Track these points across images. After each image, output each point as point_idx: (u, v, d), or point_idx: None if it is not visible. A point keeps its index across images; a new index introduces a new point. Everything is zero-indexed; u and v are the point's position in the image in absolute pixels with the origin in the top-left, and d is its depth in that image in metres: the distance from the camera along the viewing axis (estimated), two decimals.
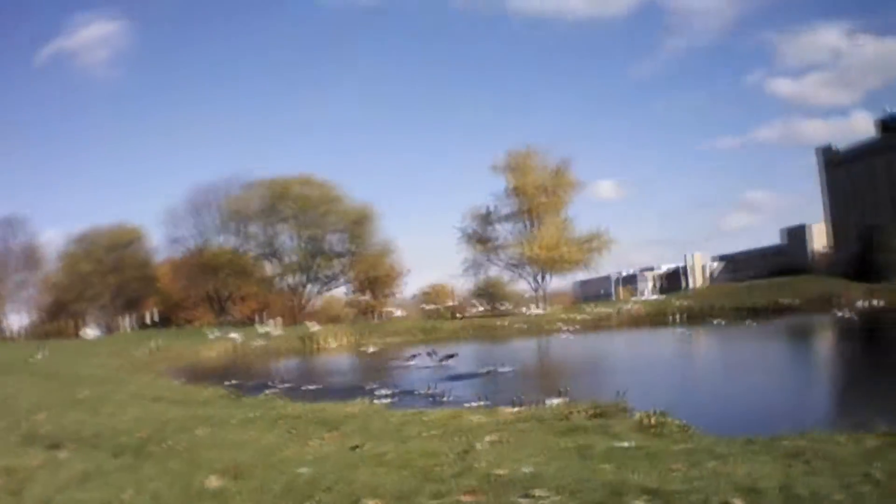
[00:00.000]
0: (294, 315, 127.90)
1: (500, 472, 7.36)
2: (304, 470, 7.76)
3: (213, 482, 6.85)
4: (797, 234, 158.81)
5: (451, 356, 53.62)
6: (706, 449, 9.57)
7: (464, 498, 6.09)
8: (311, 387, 40.48)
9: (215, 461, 8.51)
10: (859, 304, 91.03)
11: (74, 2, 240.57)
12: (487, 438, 11.46)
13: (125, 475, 7.39)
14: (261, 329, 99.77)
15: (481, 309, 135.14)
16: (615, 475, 7.18)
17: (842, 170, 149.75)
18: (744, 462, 8.01)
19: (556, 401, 23.90)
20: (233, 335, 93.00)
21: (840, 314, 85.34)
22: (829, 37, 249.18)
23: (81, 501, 6.14)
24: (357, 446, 10.20)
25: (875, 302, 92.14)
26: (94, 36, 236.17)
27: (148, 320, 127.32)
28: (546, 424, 14.48)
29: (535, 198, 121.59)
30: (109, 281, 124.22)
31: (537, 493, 6.25)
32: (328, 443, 11.09)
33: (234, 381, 41.40)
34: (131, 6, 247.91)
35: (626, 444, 10.44)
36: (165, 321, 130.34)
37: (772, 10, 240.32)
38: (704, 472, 7.35)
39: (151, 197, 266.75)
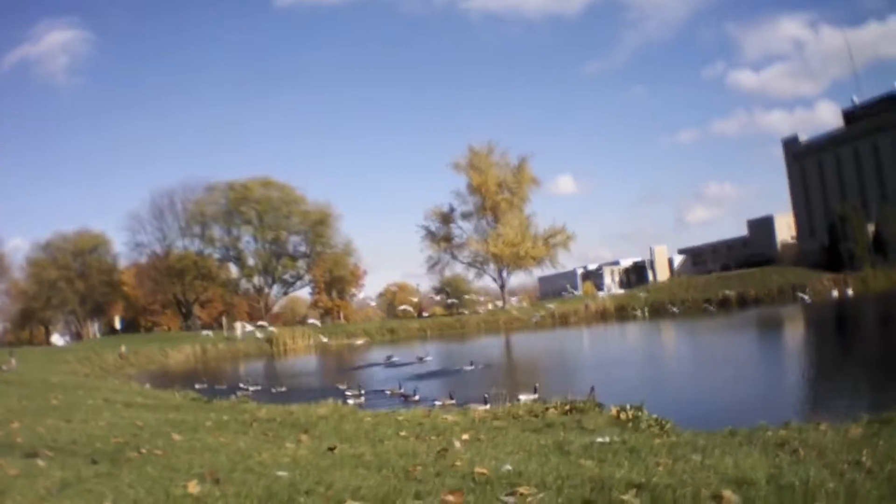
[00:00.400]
0: (259, 317, 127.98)
1: (481, 470, 7.29)
2: (282, 473, 7.68)
3: (193, 487, 6.78)
4: (763, 226, 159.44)
5: (423, 358, 54.58)
6: (688, 442, 9.57)
7: (448, 498, 6.04)
8: (281, 389, 40.61)
9: (193, 466, 8.44)
10: (833, 293, 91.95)
11: (36, 9, 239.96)
12: (464, 437, 11.44)
13: (104, 482, 7.30)
14: (227, 332, 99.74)
15: (444, 308, 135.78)
16: (599, 470, 7.13)
17: (808, 160, 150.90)
18: (729, 454, 7.99)
19: (529, 397, 24.06)
20: (205, 332, 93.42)
21: (807, 300, 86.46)
22: (791, 28, 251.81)
23: None
24: (333, 448, 10.13)
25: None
26: (55, 43, 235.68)
27: (115, 326, 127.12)
28: (520, 422, 14.47)
29: (495, 195, 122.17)
30: (76, 287, 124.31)
31: (522, 490, 6.20)
32: (303, 445, 11.02)
33: (203, 385, 41.36)
34: (91, 14, 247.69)
35: (604, 439, 10.40)
36: (132, 326, 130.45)
37: (732, 1, 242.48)
38: (690, 465, 7.29)
39: (113, 202, 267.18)
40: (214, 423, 14.54)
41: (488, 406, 18.85)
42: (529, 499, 5.95)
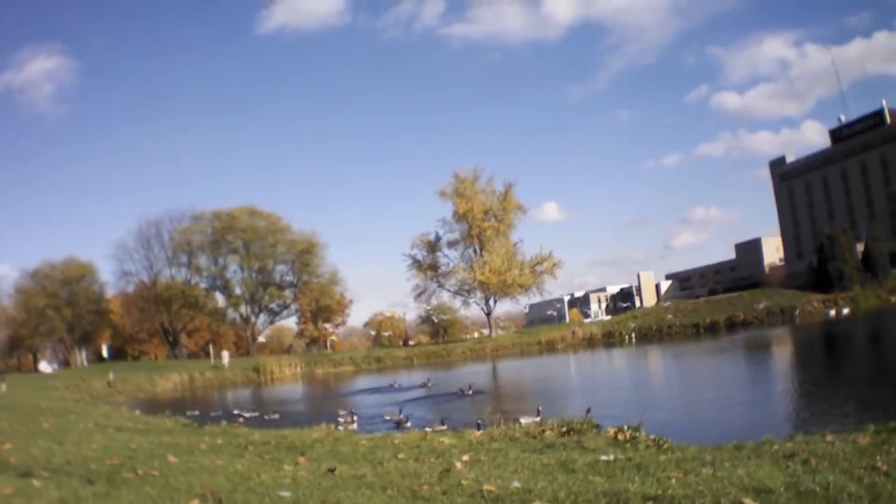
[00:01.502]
0: (246, 346, 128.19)
1: (489, 487, 7.18)
2: (285, 493, 7.54)
3: None
4: (750, 249, 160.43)
5: (426, 383, 55.48)
6: (695, 457, 9.52)
7: None
8: (274, 416, 40.49)
9: (193, 486, 8.27)
10: (831, 313, 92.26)
11: (19, 36, 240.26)
12: (464, 458, 11.31)
13: (102, 502, 7.16)
14: (214, 361, 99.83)
15: (430, 337, 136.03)
16: (610, 485, 7.03)
17: (795, 181, 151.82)
18: (739, 466, 7.91)
19: (531, 419, 23.98)
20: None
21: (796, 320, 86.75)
22: (775, 48, 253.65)
23: None
24: (333, 469, 10.00)
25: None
26: (39, 70, 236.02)
27: (103, 354, 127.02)
28: (519, 443, 14.37)
29: (481, 222, 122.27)
30: (64, 315, 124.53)
31: None
32: (302, 467, 10.88)
33: (195, 412, 41.16)
34: (73, 40, 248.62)
35: (608, 457, 10.33)
36: (119, 355, 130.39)
37: (714, 24, 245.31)
38: (702, 477, 7.18)
39: (100, 231, 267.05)
40: (209, 446, 14.39)
41: (484, 430, 18.63)
42: None
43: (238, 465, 11.04)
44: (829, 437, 9.81)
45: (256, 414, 42.62)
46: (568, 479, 7.88)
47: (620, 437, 14.67)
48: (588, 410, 23.22)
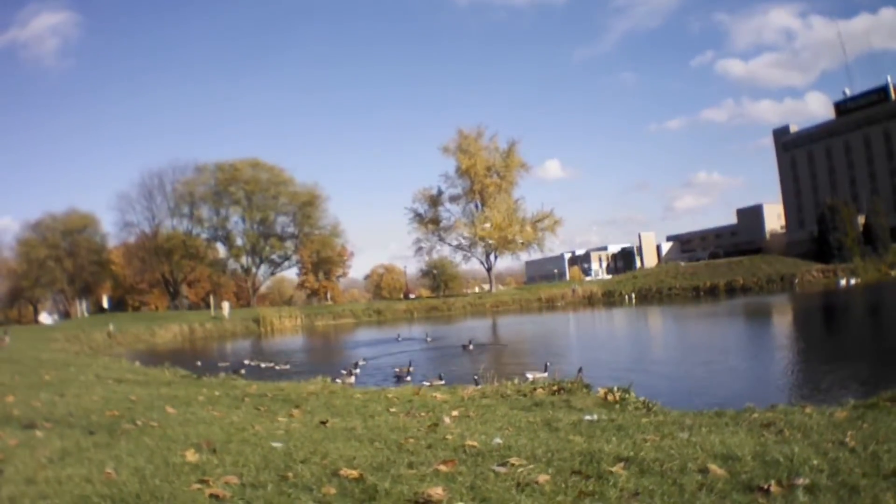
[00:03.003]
0: (247, 297, 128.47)
1: (472, 443, 7.44)
2: (277, 444, 7.83)
3: (192, 456, 6.94)
4: (752, 215, 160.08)
5: (427, 337, 56.54)
6: (675, 421, 9.66)
7: (441, 467, 6.20)
8: (286, 367, 41.31)
9: (189, 437, 8.57)
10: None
11: None
12: (453, 413, 11.56)
13: (103, 452, 7.45)
14: (214, 312, 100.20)
15: (431, 290, 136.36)
16: (587, 445, 7.25)
17: (798, 151, 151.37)
18: (715, 432, 8.12)
19: (539, 374, 24.45)
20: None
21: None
22: (781, 18, 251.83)
23: (64, 477, 6.21)
24: (325, 422, 10.30)
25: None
26: (44, 26, 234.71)
27: (103, 305, 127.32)
28: (509, 400, 14.59)
29: (484, 178, 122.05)
30: (65, 266, 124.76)
31: (513, 461, 6.37)
32: (296, 419, 11.18)
33: (199, 363, 41.61)
34: None
35: (592, 417, 10.54)
36: (120, 306, 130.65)
37: None
38: (677, 441, 7.42)
39: (102, 183, 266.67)
40: (207, 398, 14.68)
41: (479, 386, 18.90)
42: (520, 469, 6.11)
43: (234, 416, 11.33)
44: (808, 409, 9.90)
45: (272, 364, 43.50)
46: (549, 438, 8.12)
47: (610, 398, 14.93)
48: (580, 370, 23.46)
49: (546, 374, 24.89)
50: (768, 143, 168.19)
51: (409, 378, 32.64)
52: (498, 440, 7.72)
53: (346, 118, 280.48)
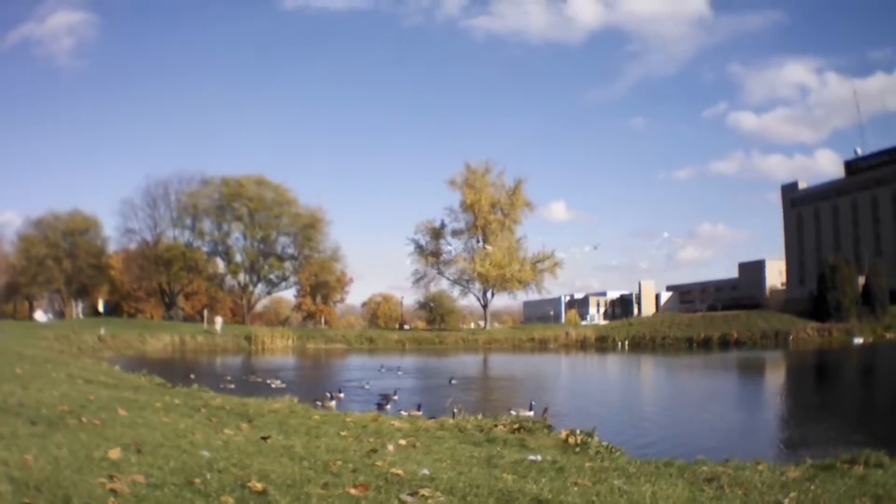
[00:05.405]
0: (242, 314, 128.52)
1: (398, 471, 7.45)
2: (205, 453, 7.89)
3: (115, 454, 7.06)
4: (754, 270, 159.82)
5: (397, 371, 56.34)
6: (619, 468, 9.63)
7: (352, 491, 6.31)
8: (276, 383, 41.51)
9: (125, 437, 8.65)
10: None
11: None
12: (401, 442, 11.63)
13: (34, 440, 7.57)
14: (206, 326, 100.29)
15: (427, 323, 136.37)
16: (513, 484, 7.16)
17: (805, 208, 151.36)
18: (652, 483, 8.06)
19: (524, 413, 24.52)
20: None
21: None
22: (797, 73, 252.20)
23: None
24: (266, 437, 10.39)
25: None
26: (61, 24, 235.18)
27: (98, 308, 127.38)
28: (465, 434, 14.65)
29: (488, 214, 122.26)
30: (63, 266, 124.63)
31: (425, 492, 6.43)
32: (242, 432, 11.27)
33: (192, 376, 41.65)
34: None
35: (536, 457, 10.55)
36: (115, 311, 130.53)
37: (738, 42, 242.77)
38: (607, 488, 7.41)
39: (107, 186, 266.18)
40: (164, 405, 14.72)
41: (439, 418, 18.98)
42: (430, 500, 6.21)
43: (182, 424, 11.40)
44: (760, 466, 9.78)
45: (257, 380, 44.00)
46: (480, 474, 8.04)
47: (571, 440, 14.91)
48: (545, 410, 23.55)
49: (532, 413, 24.98)
50: (775, 198, 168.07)
51: (388, 406, 32.69)
52: (425, 471, 7.72)
53: (354, 141, 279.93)
